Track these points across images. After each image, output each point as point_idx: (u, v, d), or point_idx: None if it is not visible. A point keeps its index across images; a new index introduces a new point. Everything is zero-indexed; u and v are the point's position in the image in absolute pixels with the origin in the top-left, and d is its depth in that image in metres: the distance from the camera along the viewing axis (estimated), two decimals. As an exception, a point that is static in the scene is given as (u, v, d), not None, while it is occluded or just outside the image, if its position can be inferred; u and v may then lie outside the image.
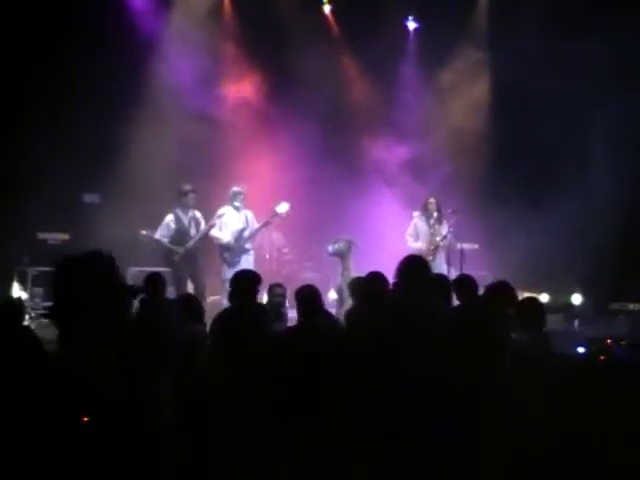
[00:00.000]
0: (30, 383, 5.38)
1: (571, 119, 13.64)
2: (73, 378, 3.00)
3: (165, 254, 11.26)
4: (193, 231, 11.27)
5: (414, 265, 5.43)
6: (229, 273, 11.12)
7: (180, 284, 10.99)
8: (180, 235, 11.20)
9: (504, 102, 14.24)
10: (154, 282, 7.74)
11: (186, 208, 11.31)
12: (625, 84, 12.81)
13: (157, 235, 11.21)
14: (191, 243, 11.18)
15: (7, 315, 6.09)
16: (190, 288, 11.06)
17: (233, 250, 11.34)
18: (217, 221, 11.33)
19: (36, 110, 11.94)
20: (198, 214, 11.40)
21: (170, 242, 11.18)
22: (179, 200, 11.31)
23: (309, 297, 6.32)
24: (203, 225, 11.31)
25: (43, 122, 11.83)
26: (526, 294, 12.11)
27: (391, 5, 14.71)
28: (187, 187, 11.31)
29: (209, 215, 11.59)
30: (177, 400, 4.93)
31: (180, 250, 11.12)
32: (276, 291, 7.85)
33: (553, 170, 13.60)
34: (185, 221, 11.27)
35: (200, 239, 11.26)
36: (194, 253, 11.23)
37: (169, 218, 11.23)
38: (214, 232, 11.40)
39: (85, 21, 12.13)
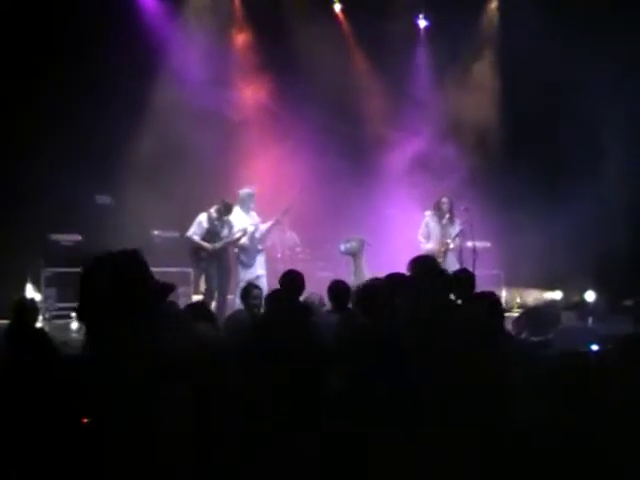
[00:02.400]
0: (40, 384, 5.41)
1: (585, 118, 13.57)
2: (95, 379, 3.01)
3: (193, 250, 11.32)
4: (225, 232, 11.29)
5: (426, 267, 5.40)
6: (245, 274, 11.18)
7: (209, 281, 11.15)
8: (210, 235, 11.22)
9: (517, 100, 14.19)
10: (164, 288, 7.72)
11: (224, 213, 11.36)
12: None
13: (189, 233, 11.27)
14: (220, 244, 11.21)
15: (20, 316, 6.11)
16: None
17: (249, 251, 11.35)
18: (249, 229, 11.37)
19: (48, 111, 11.96)
20: (231, 218, 11.40)
21: (202, 242, 11.23)
22: (222, 204, 11.31)
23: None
24: (235, 228, 11.33)
25: (55, 124, 11.84)
26: (541, 292, 12.22)
27: (401, 3, 14.71)
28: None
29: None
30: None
31: (209, 247, 11.15)
32: (254, 292, 7.51)
33: (566, 169, 13.55)
34: (217, 223, 11.29)
35: (230, 242, 11.30)
36: (220, 254, 11.26)
37: (202, 218, 11.28)
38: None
39: (97, 22, 12.14)
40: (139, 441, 2.95)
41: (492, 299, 5.77)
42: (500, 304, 5.82)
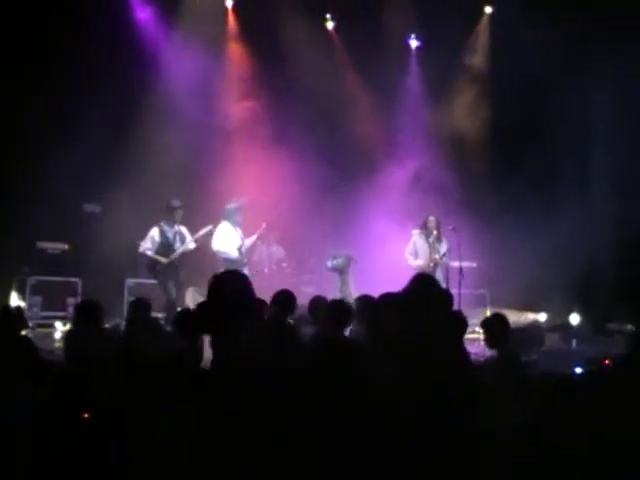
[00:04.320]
0: (26, 391, 5.41)
1: (571, 138, 13.69)
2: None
3: (149, 265, 11.31)
4: (177, 245, 11.30)
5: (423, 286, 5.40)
6: None
7: (167, 292, 11.08)
8: (164, 248, 11.22)
9: (504, 120, 14.29)
10: (139, 305, 7.67)
11: (172, 223, 11.34)
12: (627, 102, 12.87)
13: (141, 249, 11.24)
14: (175, 255, 11.21)
15: (5, 324, 6.08)
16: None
17: (235, 264, 11.35)
18: (199, 241, 11.40)
19: (37, 120, 11.94)
20: (184, 229, 11.43)
21: (157, 255, 11.21)
22: (166, 214, 11.32)
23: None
24: (188, 240, 11.35)
25: (44, 131, 11.83)
26: (525, 313, 12.27)
27: (393, 23, 14.80)
28: (176, 203, 11.34)
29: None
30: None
31: (163, 260, 11.15)
32: None
33: (553, 190, 13.64)
34: (170, 235, 11.29)
35: (183, 253, 11.31)
36: (175, 266, 11.27)
37: (154, 231, 11.26)
38: (219, 247, 11.42)
39: (89, 33, 12.14)
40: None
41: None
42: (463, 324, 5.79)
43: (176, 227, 11.36)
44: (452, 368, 4.88)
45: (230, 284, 3.43)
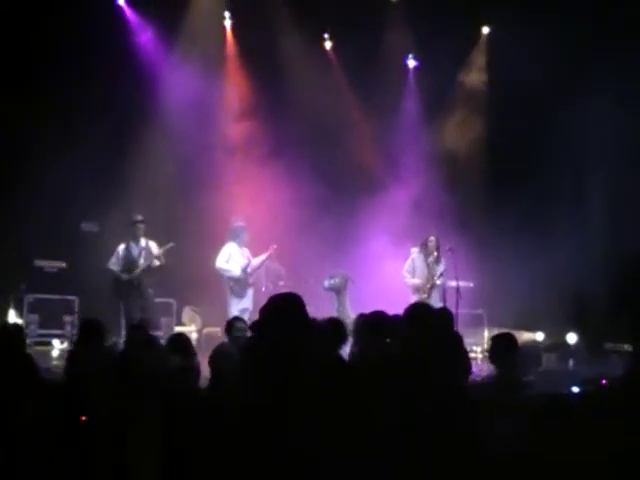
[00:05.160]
0: (27, 409, 5.41)
1: (569, 160, 13.74)
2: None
3: (112, 283, 11.19)
4: (142, 261, 11.18)
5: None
6: (236, 304, 11.15)
7: (127, 312, 10.89)
8: (128, 264, 11.12)
9: (501, 142, 14.34)
10: (138, 323, 7.67)
11: (136, 238, 11.24)
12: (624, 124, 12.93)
13: (108, 263, 11.17)
14: (137, 272, 11.08)
15: (7, 341, 6.08)
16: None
17: (240, 282, 11.33)
18: (161, 259, 11.23)
19: (36, 138, 11.98)
20: (152, 244, 11.29)
21: (120, 271, 11.12)
22: (129, 230, 11.25)
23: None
24: (155, 253, 11.21)
25: (42, 150, 11.85)
26: (522, 333, 12.26)
27: (391, 43, 14.89)
28: (136, 217, 11.24)
29: (210, 249, 11.61)
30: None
31: (124, 276, 11.05)
32: (239, 325, 7.45)
33: (549, 211, 13.69)
34: (135, 251, 11.20)
35: (146, 269, 11.15)
36: (139, 285, 11.12)
37: (120, 247, 11.20)
38: (222, 265, 11.40)
39: (89, 53, 12.20)
40: None
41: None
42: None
43: (143, 243, 11.23)
44: (450, 388, 4.87)
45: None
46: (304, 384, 4.07)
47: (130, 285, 11.03)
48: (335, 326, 6.19)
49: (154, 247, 11.24)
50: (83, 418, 5.27)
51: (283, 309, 3.50)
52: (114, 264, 11.13)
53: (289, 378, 3.46)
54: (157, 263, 11.19)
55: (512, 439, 4.71)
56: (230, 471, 3.18)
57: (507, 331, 6.32)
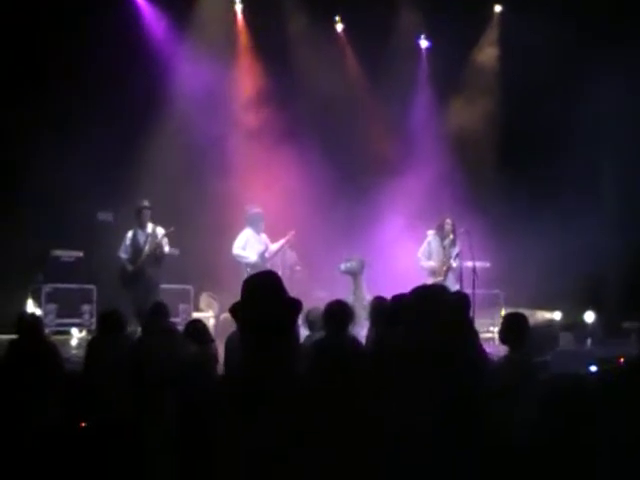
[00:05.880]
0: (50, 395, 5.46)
1: (585, 140, 13.63)
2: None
3: (119, 271, 11.14)
4: (146, 249, 11.06)
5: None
6: None
7: (134, 302, 10.47)
8: (135, 253, 11.05)
9: (517, 121, 14.26)
10: (158, 310, 7.69)
11: (143, 224, 11.14)
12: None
13: (118, 252, 11.11)
14: (140, 260, 10.98)
15: (31, 329, 6.14)
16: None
17: (259, 269, 11.29)
18: (163, 242, 11.11)
19: (51, 128, 12.02)
20: (159, 231, 11.15)
21: (127, 260, 11.06)
22: (135, 217, 11.18)
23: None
24: (161, 241, 11.08)
25: (58, 140, 11.89)
26: (540, 312, 12.25)
27: (403, 24, 14.83)
28: (142, 203, 11.16)
29: (227, 235, 11.66)
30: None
31: (129, 267, 10.99)
32: None
33: (565, 190, 13.59)
34: (141, 238, 11.10)
35: (150, 256, 11.02)
36: (144, 270, 11.01)
37: (128, 235, 11.13)
38: (239, 251, 11.43)
39: (104, 42, 12.21)
40: None
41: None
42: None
43: (149, 230, 11.13)
44: (471, 371, 4.87)
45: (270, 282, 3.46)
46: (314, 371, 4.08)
47: (135, 274, 10.96)
48: (342, 309, 6.19)
49: (161, 233, 11.13)
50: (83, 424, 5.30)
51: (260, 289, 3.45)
52: (123, 252, 11.08)
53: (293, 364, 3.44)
54: (161, 250, 11.06)
55: (526, 421, 4.71)
56: (249, 458, 3.18)
57: (518, 310, 6.29)
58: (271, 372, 3.23)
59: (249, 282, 3.41)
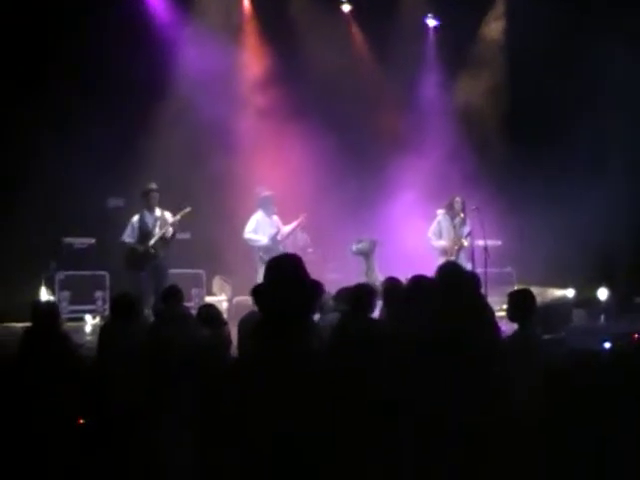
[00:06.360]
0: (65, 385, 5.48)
1: (594, 117, 13.53)
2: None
3: (126, 255, 10.95)
4: (157, 231, 10.91)
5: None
6: None
7: (138, 285, 10.54)
8: (143, 236, 10.87)
9: (527, 99, 14.16)
10: (171, 293, 7.69)
11: (151, 208, 10.99)
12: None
13: (122, 237, 10.96)
14: (152, 242, 10.83)
15: (44, 319, 6.15)
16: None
17: (271, 251, 11.23)
18: (172, 228, 10.96)
19: (60, 115, 12.02)
20: (167, 215, 11.03)
21: (135, 243, 10.89)
22: (142, 200, 11.04)
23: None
24: (170, 224, 10.93)
25: (67, 127, 11.90)
26: (552, 289, 12.22)
27: (410, 3, 14.75)
28: (149, 186, 11.00)
29: (238, 218, 11.67)
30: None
31: (140, 248, 10.81)
32: None
33: (576, 167, 13.52)
34: (149, 221, 10.95)
35: (161, 239, 10.89)
36: (155, 253, 10.87)
37: (134, 219, 10.99)
38: (250, 235, 11.44)
39: (108, 25, 12.19)
40: None
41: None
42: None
43: (157, 213, 10.99)
44: (487, 351, 4.88)
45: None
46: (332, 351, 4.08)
47: (145, 256, 10.82)
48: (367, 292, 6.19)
49: (169, 217, 11.01)
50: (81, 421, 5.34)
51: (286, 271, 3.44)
52: (129, 236, 10.92)
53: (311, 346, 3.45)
54: (171, 231, 10.92)
55: (536, 397, 4.72)
56: (265, 441, 3.19)
57: (530, 288, 6.26)
58: (292, 354, 3.24)
59: (272, 265, 3.42)
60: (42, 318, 6.14)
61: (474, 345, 4.82)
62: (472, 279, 5.93)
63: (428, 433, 4.33)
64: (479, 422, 4.35)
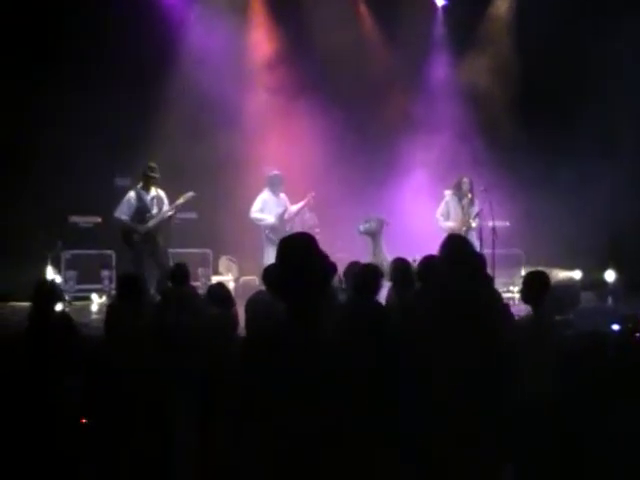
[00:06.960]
0: (65, 366, 5.47)
1: (604, 99, 13.41)
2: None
3: (123, 233, 10.82)
4: (155, 210, 10.81)
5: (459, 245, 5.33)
6: (272, 252, 11.05)
7: (139, 265, 10.47)
8: (140, 214, 10.73)
9: (536, 80, 14.07)
10: (179, 273, 7.66)
11: (148, 187, 10.85)
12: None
13: (117, 213, 10.80)
14: (152, 223, 10.74)
15: (41, 298, 6.12)
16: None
17: (278, 231, 11.18)
18: (174, 209, 10.89)
19: (68, 93, 11.97)
20: (162, 194, 10.95)
21: (131, 221, 10.75)
22: (143, 179, 10.89)
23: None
24: (166, 206, 10.85)
25: (75, 105, 11.86)
26: (560, 271, 12.19)
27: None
28: (150, 165, 10.86)
29: (244, 197, 11.64)
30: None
31: (140, 229, 10.68)
32: None
33: (585, 148, 13.43)
34: (147, 199, 10.82)
35: (161, 220, 10.83)
36: (154, 234, 10.77)
37: (130, 196, 10.82)
38: (257, 214, 11.41)
39: (118, 5, 12.16)
40: None
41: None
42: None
43: (153, 192, 10.87)
44: (497, 329, 4.84)
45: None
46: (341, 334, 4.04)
47: (144, 236, 10.71)
48: (374, 272, 6.12)
49: (163, 195, 10.93)
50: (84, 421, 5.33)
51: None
52: (124, 213, 10.74)
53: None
54: (169, 213, 10.85)
55: (548, 377, 4.70)
56: (271, 421, 3.16)
57: (539, 269, 6.24)
58: (307, 334, 3.20)
59: (285, 244, 3.35)
60: (41, 297, 6.11)
61: (484, 306, 4.80)
62: (478, 255, 5.90)
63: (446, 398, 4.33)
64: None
